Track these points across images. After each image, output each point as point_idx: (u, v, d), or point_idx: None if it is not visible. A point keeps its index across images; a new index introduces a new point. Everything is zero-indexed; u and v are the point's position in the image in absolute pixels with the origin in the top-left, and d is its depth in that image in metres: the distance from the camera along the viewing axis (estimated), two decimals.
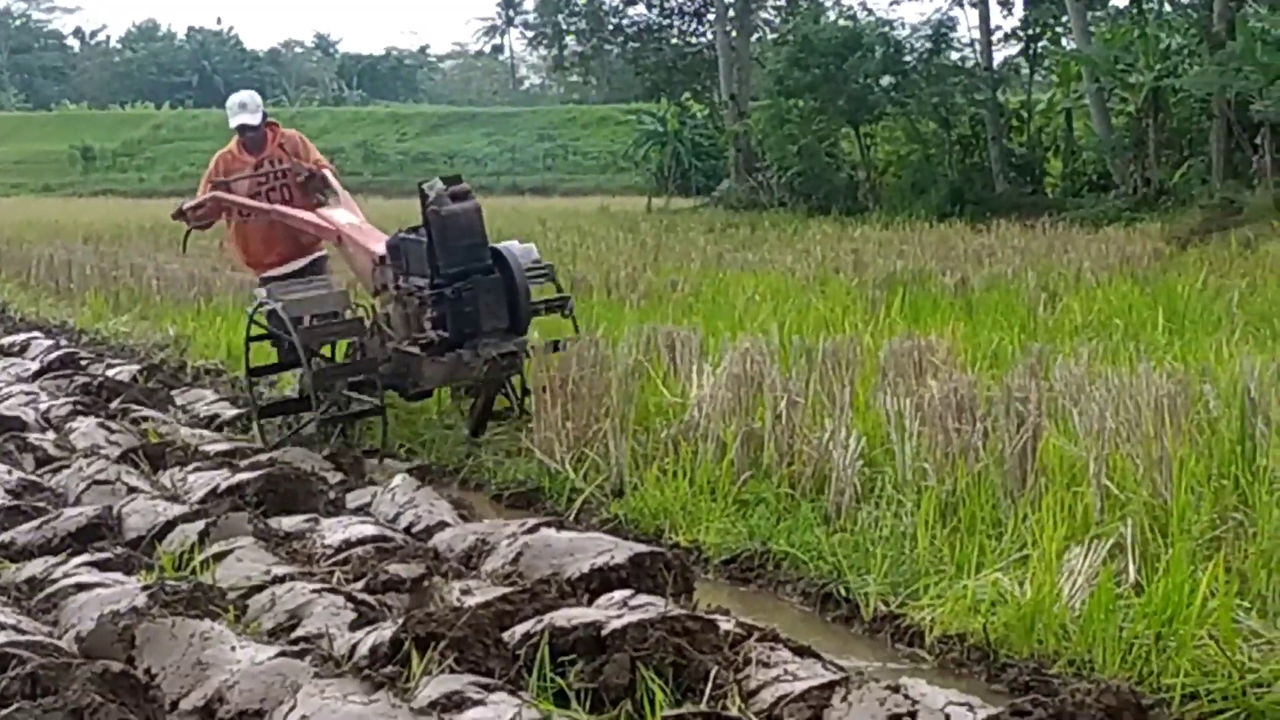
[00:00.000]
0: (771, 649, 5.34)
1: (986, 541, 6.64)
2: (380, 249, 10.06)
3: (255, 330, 10.56)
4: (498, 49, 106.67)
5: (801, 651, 5.38)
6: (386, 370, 9.94)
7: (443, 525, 7.67)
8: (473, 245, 9.50)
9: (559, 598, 6.06)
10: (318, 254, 11.59)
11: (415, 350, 9.67)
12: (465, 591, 6.23)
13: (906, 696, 4.71)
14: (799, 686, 5.03)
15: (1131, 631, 5.58)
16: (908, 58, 38.26)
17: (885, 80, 37.65)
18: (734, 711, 4.98)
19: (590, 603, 6.05)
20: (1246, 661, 5.29)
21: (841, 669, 5.26)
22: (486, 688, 5.01)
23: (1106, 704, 4.60)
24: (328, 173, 11.30)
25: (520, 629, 5.52)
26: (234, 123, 11.31)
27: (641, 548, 6.66)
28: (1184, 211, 26.90)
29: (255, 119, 11.25)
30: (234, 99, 11.51)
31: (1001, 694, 5.47)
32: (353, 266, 10.75)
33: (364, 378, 10.07)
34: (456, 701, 4.88)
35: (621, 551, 6.53)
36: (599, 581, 6.31)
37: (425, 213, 9.41)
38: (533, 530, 7.00)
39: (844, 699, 4.86)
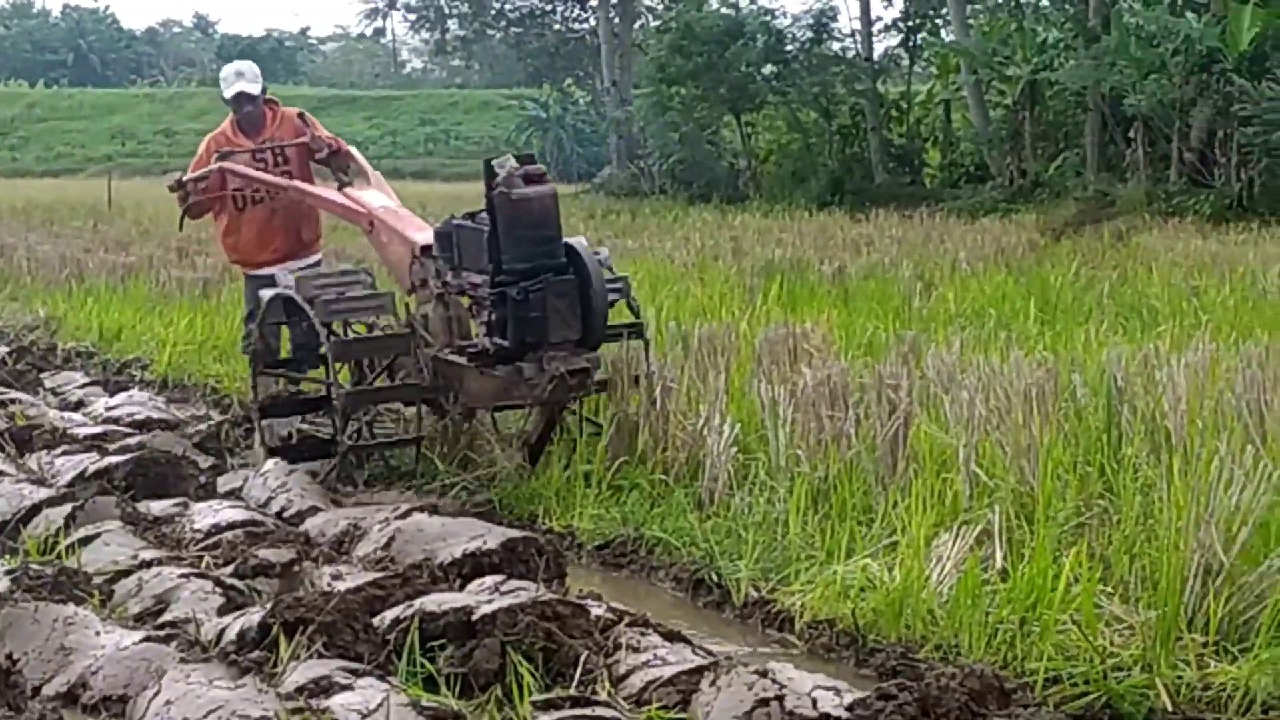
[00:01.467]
0: (642, 634, 5.36)
1: (857, 528, 6.69)
2: (422, 238, 8.68)
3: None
4: (379, 32, 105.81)
5: (671, 636, 5.41)
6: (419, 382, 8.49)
7: (314, 510, 7.62)
8: (546, 238, 7.89)
9: (431, 583, 6.05)
10: (317, 256, 10.18)
11: (460, 360, 8.19)
12: (336, 576, 6.20)
13: (774, 681, 4.75)
14: (668, 671, 5.06)
15: (997, 616, 5.65)
16: (789, 47, 38.42)
17: (767, 69, 37.81)
18: (603, 696, 5.00)
19: (462, 588, 6.04)
20: (1108, 646, 5.37)
21: (711, 654, 5.30)
22: (355, 673, 4.99)
23: (971, 688, 4.67)
24: (352, 149, 9.91)
25: (391, 614, 5.51)
26: (229, 92, 9.84)
27: (514, 533, 6.67)
28: (1059, 203, 27.24)
29: (255, 88, 9.78)
30: (229, 67, 10.12)
31: (869, 678, 5.51)
32: (384, 258, 9.27)
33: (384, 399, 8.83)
34: (324, 686, 4.85)
35: (494, 537, 6.53)
36: (471, 567, 6.30)
37: (490, 195, 7.85)
38: (405, 515, 6.97)
39: (712, 683, 4.90)
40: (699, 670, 5.01)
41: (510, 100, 61.23)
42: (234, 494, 8.20)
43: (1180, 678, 5.19)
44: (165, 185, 10.11)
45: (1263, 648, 5.21)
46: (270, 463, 8.46)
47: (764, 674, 4.81)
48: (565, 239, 7.98)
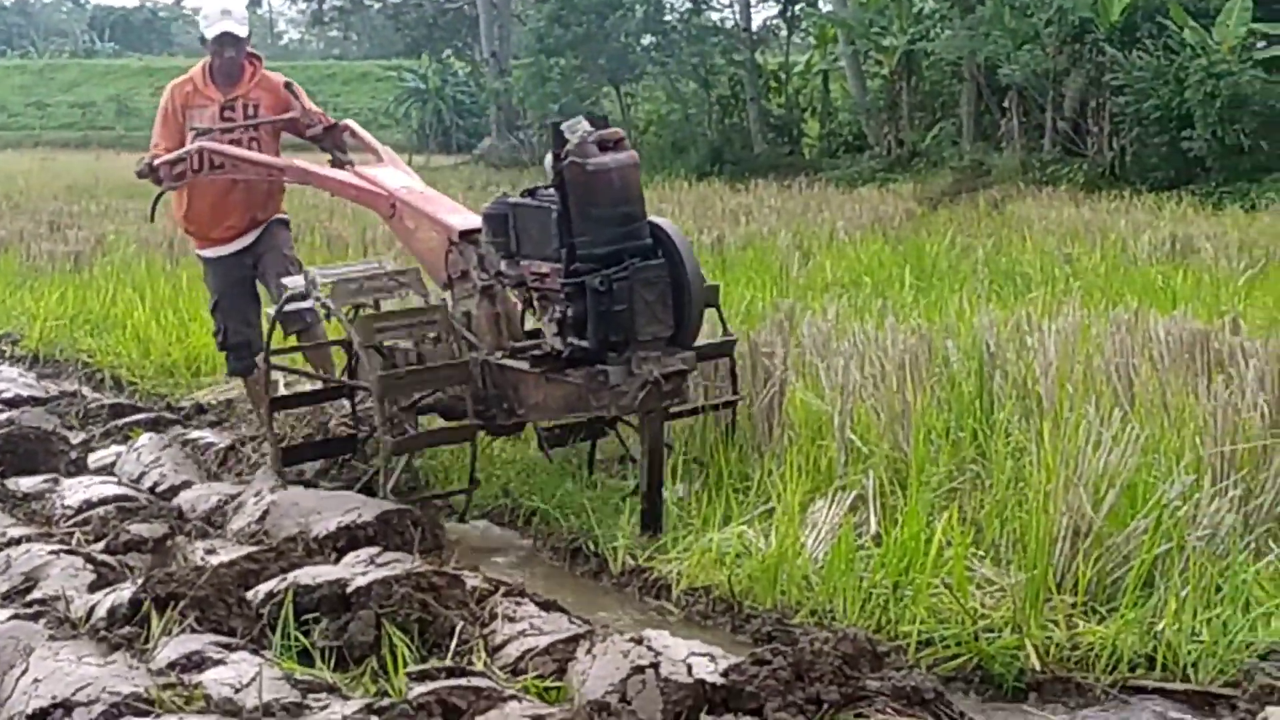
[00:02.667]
0: (518, 603, 5.36)
1: (733, 495, 6.72)
2: (459, 222, 7.44)
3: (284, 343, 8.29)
4: (256, 2, 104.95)
5: (548, 606, 5.42)
6: (459, 392, 7.26)
7: (187, 484, 7.55)
8: (629, 215, 6.61)
9: (306, 556, 6.04)
10: (279, 215, 8.97)
11: (519, 365, 7.00)
12: (210, 551, 6.16)
13: (649, 648, 4.76)
14: (544, 640, 5.07)
15: (871, 581, 5.71)
16: (668, 17, 38.41)
17: (646, 39, 37.77)
18: (479, 666, 5.00)
19: (338, 561, 6.01)
20: (979, 608, 5.45)
21: (587, 622, 5.30)
22: (228, 647, 4.95)
23: (844, 652, 4.70)
24: (352, 123, 8.90)
25: (264, 588, 5.47)
26: (213, 31, 8.64)
27: (390, 505, 6.63)
28: (935, 173, 27.48)
29: (243, 30, 8.65)
30: (213, 3, 8.90)
31: (745, 644, 5.55)
32: (411, 246, 7.91)
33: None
34: (196, 661, 4.81)
35: (369, 510, 6.50)
36: (346, 540, 6.27)
37: (559, 166, 6.58)
38: (280, 488, 6.93)
39: (588, 651, 4.91)
40: (575, 639, 5.03)
41: (389, 72, 60.61)
42: (106, 470, 8.09)
43: (1050, 638, 5.27)
44: (133, 171, 8.77)
45: (1129, 608, 5.31)
46: (145, 436, 8.35)
47: (639, 641, 4.82)
48: (650, 217, 6.74)
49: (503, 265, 7.05)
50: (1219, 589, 5.38)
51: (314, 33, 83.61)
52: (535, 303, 6.95)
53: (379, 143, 8.65)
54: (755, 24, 39.33)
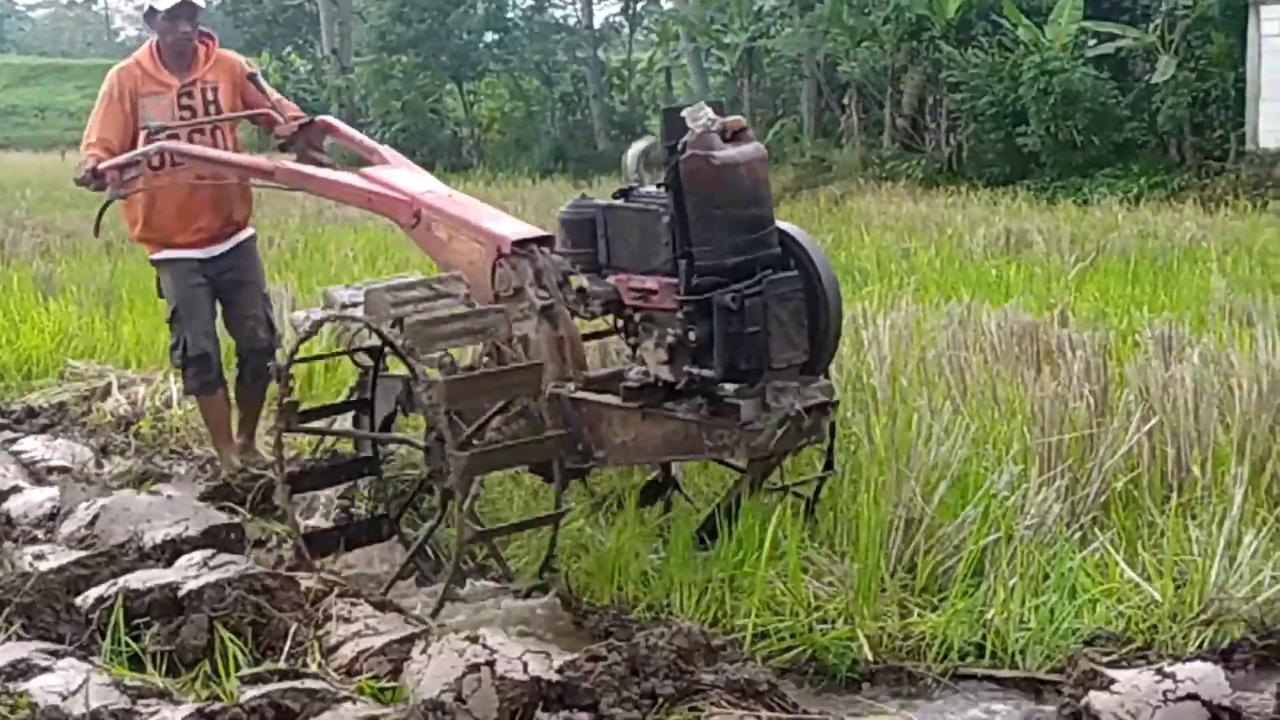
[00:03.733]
0: (353, 604, 5.33)
1: (578, 489, 6.73)
2: (509, 230, 6.25)
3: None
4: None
5: (383, 606, 5.38)
6: (518, 430, 5.91)
7: (17, 489, 7.40)
8: (760, 219, 5.64)
9: (139, 560, 5.93)
10: (248, 233, 7.93)
11: (606, 399, 5.94)
12: (38, 557, 6.05)
13: (485, 646, 4.76)
14: (379, 641, 5.04)
15: (706, 575, 5.74)
16: (511, 14, 38.41)
17: (488, 37, 37.72)
18: (313, 668, 4.96)
19: (170, 565, 5.92)
20: (814, 600, 5.50)
21: (423, 622, 5.28)
22: (55, 654, 4.87)
23: (679, 646, 4.73)
24: (333, 120, 7.84)
25: (94, 593, 5.38)
26: (167, 2, 7.44)
27: (220, 518, 6.53)
28: (777, 169, 27.65)
29: (200, 1, 7.52)
30: None
31: (584, 640, 5.55)
32: (441, 259, 6.50)
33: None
34: (22, 669, 4.72)
35: (198, 522, 6.37)
36: (172, 553, 6.15)
37: (676, 161, 5.57)
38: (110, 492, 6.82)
39: (424, 651, 4.89)
40: (410, 638, 5.01)
41: None
42: None
43: (883, 628, 5.35)
44: (73, 180, 7.46)
45: (958, 597, 5.40)
46: None
47: (475, 640, 4.81)
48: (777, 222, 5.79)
49: (585, 282, 6.01)
50: (1046, 577, 5.49)
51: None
52: (632, 325, 6.02)
53: (372, 141, 7.45)
54: (598, 21, 39.48)
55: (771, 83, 33.07)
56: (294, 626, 5.14)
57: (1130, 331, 8.57)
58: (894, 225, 17.27)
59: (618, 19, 41.25)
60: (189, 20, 7.49)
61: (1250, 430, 6.10)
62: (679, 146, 5.53)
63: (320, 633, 5.18)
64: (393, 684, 4.88)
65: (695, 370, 5.65)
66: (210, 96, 7.56)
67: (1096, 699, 4.22)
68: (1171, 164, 23.00)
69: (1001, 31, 24.42)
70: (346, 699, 4.56)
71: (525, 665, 4.65)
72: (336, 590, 5.42)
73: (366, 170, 6.90)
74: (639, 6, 39.34)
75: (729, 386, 5.68)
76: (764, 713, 4.47)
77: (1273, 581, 5.25)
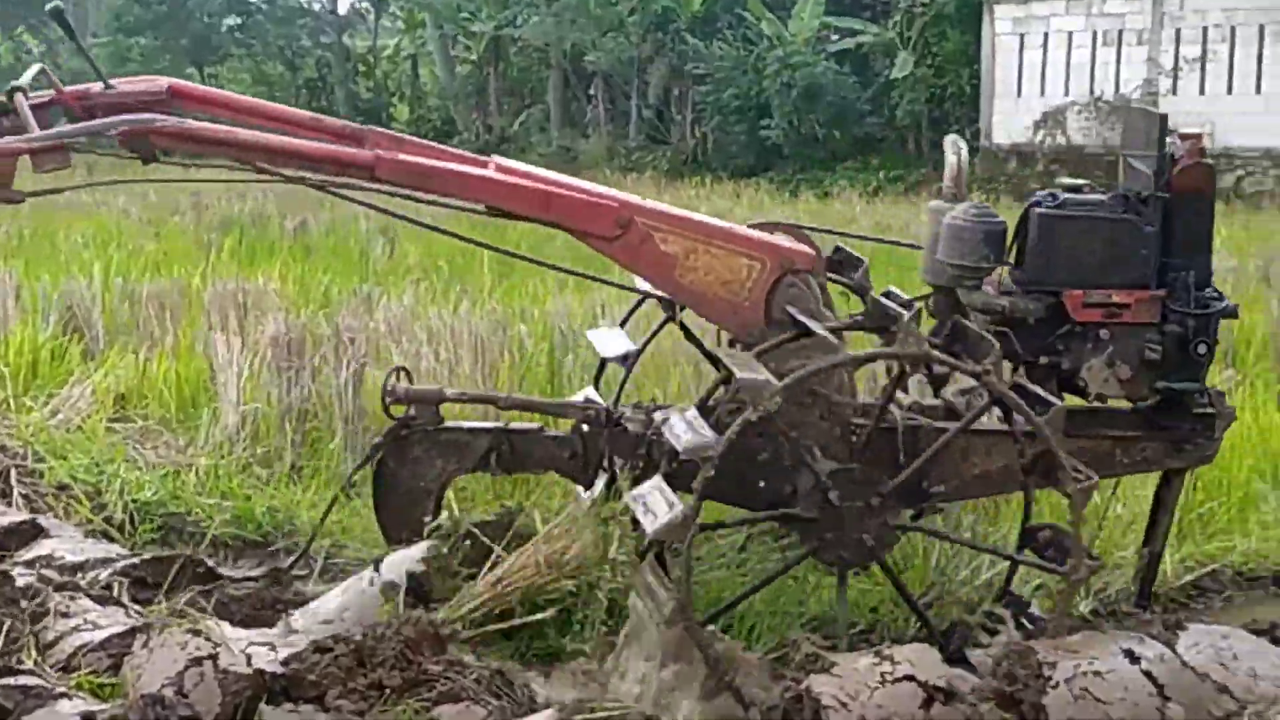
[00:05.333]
0: (72, 599, 5.17)
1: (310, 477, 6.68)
2: (789, 244, 5.47)
3: None
4: None
5: (104, 600, 5.24)
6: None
7: None
8: (1210, 231, 5.48)
9: None
10: None
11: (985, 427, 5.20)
12: None
13: (208, 639, 4.66)
14: (99, 635, 4.90)
15: None
16: None
17: (229, 20, 37.07)
18: (29, 664, 4.80)
19: None
20: None
21: (143, 614, 5.15)
22: None
23: (406, 637, 4.69)
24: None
25: None
26: None
27: None
28: (523, 159, 27.70)
29: None
30: None
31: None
32: (665, 277, 5.34)
33: None
34: None
35: None
36: None
37: (1166, 170, 5.28)
38: None
39: (145, 645, 4.76)
40: (131, 632, 4.87)
41: None
42: None
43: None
44: None
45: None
46: None
47: (198, 633, 4.71)
48: None
49: (1031, 304, 5.33)
50: None
51: None
52: (1075, 340, 5.39)
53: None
54: (343, 7, 39.09)
55: (518, 72, 33.08)
56: (8, 622, 4.97)
57: None
58: None
59: (363, 4, 40.85)
60: None
61: None
62: (1171, 156, 5.28)
63: (37, 628, 5.01)
64: (113, 679, 4.75)
65: (1167, 384, 5.34)
66: None
67: (817, 682, 4.28)
68: (909, 158, 23.60)
69: (746, 25, 24.78)
70: (63, 695, 4.42)
71: (249, 658, 4.57)
72: (53, 584, 5.26)
73: (502, 161, 5.69)
74: None
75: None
76: (492, 702, 4.45)
77: (990, 564, 5.39)
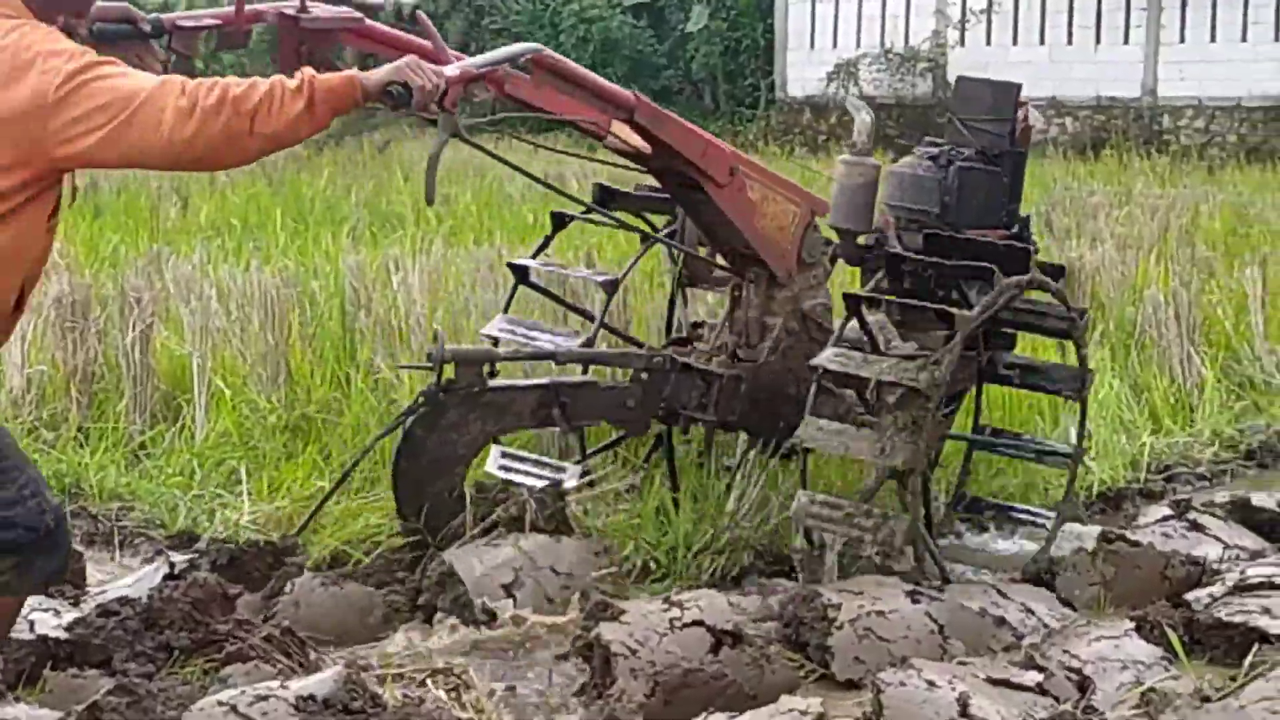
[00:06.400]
0: None
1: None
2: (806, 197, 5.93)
3: None
4: None
5: None
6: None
7: None
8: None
9: None
10: None
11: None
12: None
13: None
14: None
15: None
16: None
17: None
18: None
19: None
20: None
21: None
22: None
23: (194, 598, 4.66)
24: None
25: None
26: None
27: None
28: None
29: None
30: None
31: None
32: (747, 222, 5.72)
33: None
34: None
35: None
36: None
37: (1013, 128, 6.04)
38: None
39: None
40: None
41: None
42: None
43: None
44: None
45: None
46: None
47: None
48: None
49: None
50: None
51: None
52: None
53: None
54: None
55: None
56: None
57: None
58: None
59: None
60: None
61: None
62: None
63: None
64: None
65: None
66: None
67: (606, 629, 4.32)
68: (706, 111, 23.70)
69: None
70: None
71: (32, 624, 4.50)
72: None
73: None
74: None
75: None
76: (282, 660, 4.42)
77: (780, 510, 5.49)
